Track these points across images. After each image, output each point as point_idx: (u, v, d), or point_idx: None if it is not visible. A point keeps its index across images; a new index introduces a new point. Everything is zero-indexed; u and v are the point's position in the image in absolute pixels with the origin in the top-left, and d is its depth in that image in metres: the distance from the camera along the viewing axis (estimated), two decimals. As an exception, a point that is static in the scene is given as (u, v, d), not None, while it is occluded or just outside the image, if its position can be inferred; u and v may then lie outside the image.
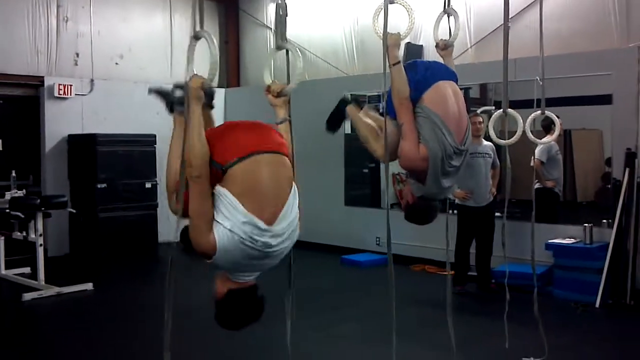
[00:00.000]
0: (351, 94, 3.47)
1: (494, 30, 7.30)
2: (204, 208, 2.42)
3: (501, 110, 3.66)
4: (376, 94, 8.94)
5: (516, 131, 3.70)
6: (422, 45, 7.66)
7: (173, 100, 2.74)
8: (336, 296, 6.73)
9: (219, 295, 2.57)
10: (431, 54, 7.20)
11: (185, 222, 2.48)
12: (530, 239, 4.08)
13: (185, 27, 9.87)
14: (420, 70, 3.23)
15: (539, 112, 3.88)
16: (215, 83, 2.69)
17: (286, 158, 2.60)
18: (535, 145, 6.04)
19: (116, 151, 8.56)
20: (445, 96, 3.17)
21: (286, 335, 3.13)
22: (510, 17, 3.66)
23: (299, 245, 2.68)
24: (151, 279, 7.92)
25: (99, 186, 8.36)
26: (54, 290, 6.60)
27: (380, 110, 3.62)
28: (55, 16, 8.88)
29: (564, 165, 7.76)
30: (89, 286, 6.85)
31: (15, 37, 8.54)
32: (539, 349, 4.23)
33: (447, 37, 3.61)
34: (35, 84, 8.74)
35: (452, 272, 6.73)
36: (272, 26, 10.18)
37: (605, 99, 6.63)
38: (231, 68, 10.95)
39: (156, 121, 9.36)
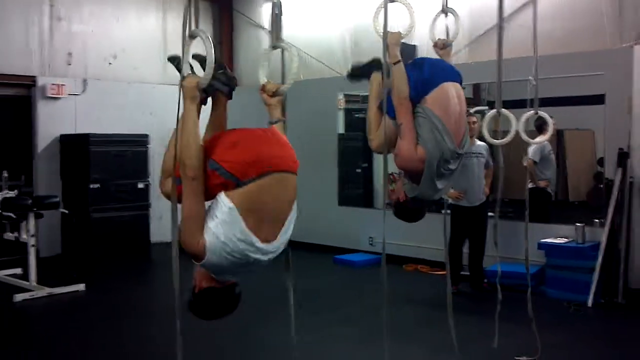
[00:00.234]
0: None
1: (487, 31, 7.31)
2: (196, 210, 2.39)
3: (495, 110, 3.67)
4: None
5: (509, 131, 3.71)
6: (415, 45, 7.66)
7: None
8: (330, 296, 6.73)
9: (197, 287, 2.53)
10: (425, 54, 7.23)
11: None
12: (524, 238, 4.09)
13: (179, 27, 9.74)
14: (426, 70, 3.18)
15: (532, 112, 3.89)
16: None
17: (296, 176, 2.57)
18: (528, 145, 6.06)
19: (109, 151, 8.53)
20: (449, 98, 3.14)
21: (286, 336, 3.13)
22: (503, 17, 3.67)
23: (292, 245, 2.67)
24: (144, 280, 7.90)
25: (91, 186, 8.32)
26: (45, 291, 6.57)
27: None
28: (48, 16, 8.84)
29: (556, 165, 7.79)
30: (81, 287, 6.81)
31: (7, 36, 8.49)
32: (531, 348, 4.25)
33: (442, 36, 3.61)
34: (28, 83, 8.70)
35: (445, 271, 6.76)
36: (266, 26, 10.19)
37: (598, 99, 6.66)
38: (225, 68, 10.92)
39: (149, 121, 9.39)
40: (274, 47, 2.98)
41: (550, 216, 7.34)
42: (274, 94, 2.81)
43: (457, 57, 7.57)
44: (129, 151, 8.76)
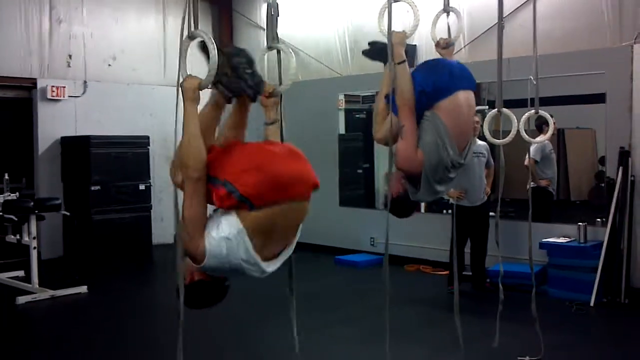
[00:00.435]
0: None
1: (487, 30, 7.31)
2: (199, 212, 2.39)
3: (495, 109, 3.66)
4: (370, 94, 8.97)
5: (510, 130, 3.70)
6: (415, 45, 7.66)
7: None
8: (331, 296, 6.73)
9: (188, 278, 2.52)
10: (424, 54, 7.23)
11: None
12: (528, 238, 4.09)
13: (179, 28, 9.75)
14: (444, 75, 3.14)
15: (532, 111, 3.89)
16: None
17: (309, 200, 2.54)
18: (529, 144, 6.04)
19: (110, 153, 8.52)
20: (460, 107, 3.12)
21: (286, 336, 3.12)
22: (503, 16, 3.66)
23: (293, 246, 2.67)
24: (146, 281, 7.90)
25: (92, 188, 8.32)
26: (48, 293, 6.57)
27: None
28: (48, 18, 8.84)
29: (557, 164, 7.78)
30: (83, 289, 6.81)
31: (7, 38, 8.49)
32: (534, 347, 4.24)
33: (442, 35, 3.60)
34: (28, 85, 8.70)
35: (447, 271, 6.75)
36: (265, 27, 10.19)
37: (598, 98, 6.65)
38: (224, 69, 10.92)
39: (149, 123, 9.40)
40: (270, 48, 2.98)
41: (552, 215, 7.33)
42: (270, 95, 2.79)
43: (457, 57, 7.53)
44: (130, 153, 8.75)
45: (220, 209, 2.43)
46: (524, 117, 3.83)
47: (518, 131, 3.69)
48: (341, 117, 9.28)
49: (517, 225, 6.44)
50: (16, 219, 6.82)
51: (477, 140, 6.52)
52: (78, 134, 8.78)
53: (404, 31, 3.17)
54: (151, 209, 8.87)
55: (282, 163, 2.47)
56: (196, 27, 2.49)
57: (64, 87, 8.79)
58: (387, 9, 3.10)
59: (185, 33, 2.49)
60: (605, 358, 4.90)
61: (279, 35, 2.99)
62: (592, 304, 6.01)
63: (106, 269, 8.04)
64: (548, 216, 7.22)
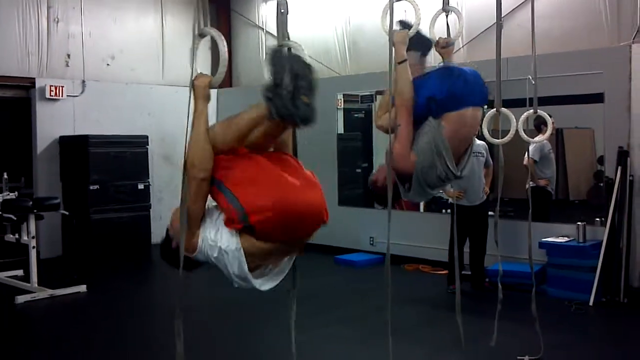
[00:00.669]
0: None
1: (486, 30, 7.31)
2: (199, 211, 2.40)
3: (494, 109, 3.66)
4: (368, 93, 8.97)
5: (509, 130, 3.70)
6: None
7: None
8: (331, 296, 6.73)
9: (174, 244, 2.50)
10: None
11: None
12: (527, 237, 4.09)
13: (177, 28, 9.84)
14: (459, 85, 3.11)
15: (531, 111, 3.89)
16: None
17: None
18: (528, 144, 6.04)
19: (108, 152, 8.52)
20: (465, 123, 3.11)
21: (286, 336, 3.13)
22: (502, 16, 3.66)
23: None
24: (145, 280, 7.90)
25: (91, 188, 8.32)
26: (47, 292, 6.57)
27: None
28: (46, 17, 8.84)
29: (556, 164, 7.79)
30: (82, 288, 6.81)
31: (5, 38, 8.49)
32: (533, 347, 4.24)
33: (441, 35, 3.60)
34: (27, 85, 8.70)
35: (446, 271, 6.76)
36: (265, 26, 10.19)
37: (597, 98, 6.65)
38: (223, 69, 10.92)
39: (147, 122, 9.39)
40: (280, 46, 2.98)
41: (551, 215, 7.33)
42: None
43: (456, 56, 7.55)
44: (129, 152, 8.75)
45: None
46: (522, 116, 3.83)
47: (517, 131, 3.69)
48: (340, 116, 9.28)
49: (516, 224, 6.45)
50: (15, 219, 6.82)
51: (476, 139, 6.53)
52: (76, 134, 8.78)
53: (405, 30, 3.16)
54: (150, 208, 8.87)
55: (298, 202, 2.42)
56: (205, 24, 2.48)
57: (63, 86, 8.79)
58: (389, 9, 3.10)
59: (196, 31, 2.47)
60: (604, 357, 4.90)
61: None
62: (591, 303, 6.01)
63: (105, 269, 8.04)
64: (547, 216, 7.22)
